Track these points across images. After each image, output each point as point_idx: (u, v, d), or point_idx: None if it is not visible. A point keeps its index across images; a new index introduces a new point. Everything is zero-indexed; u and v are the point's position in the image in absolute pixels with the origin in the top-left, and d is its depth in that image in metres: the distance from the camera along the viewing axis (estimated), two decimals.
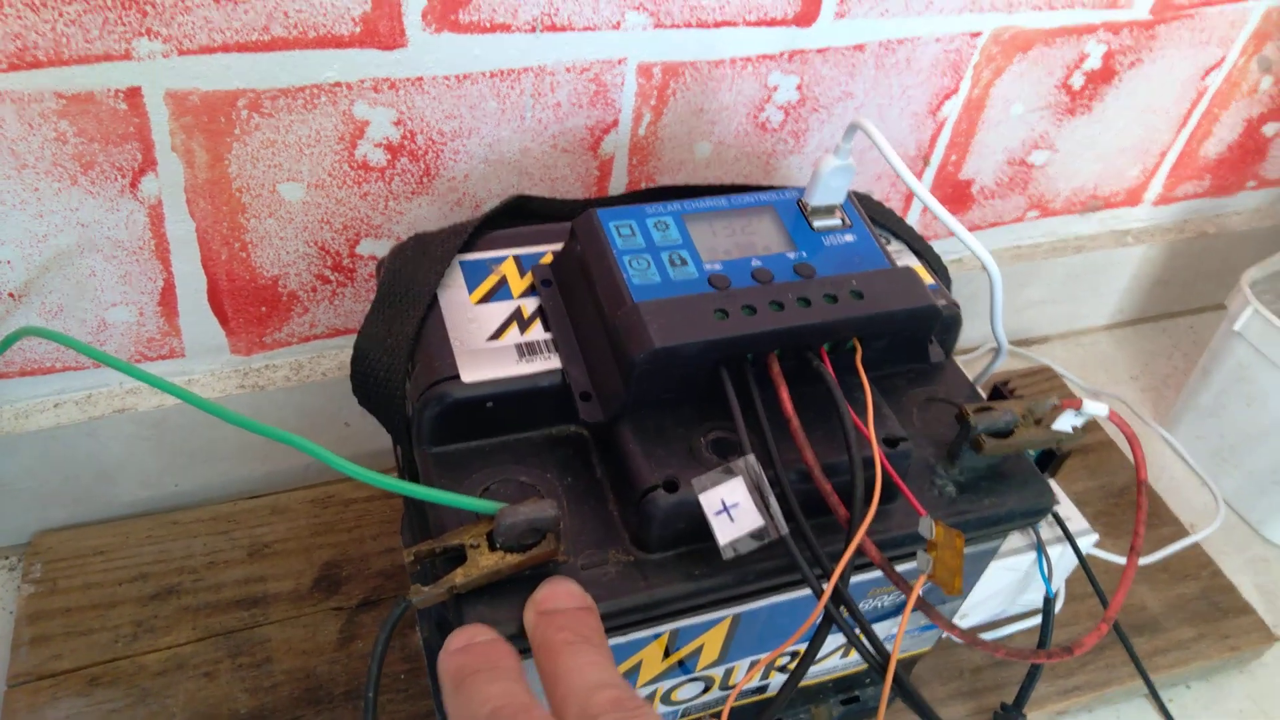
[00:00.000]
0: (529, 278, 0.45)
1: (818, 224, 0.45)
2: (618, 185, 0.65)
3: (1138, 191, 0.87)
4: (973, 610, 0.63)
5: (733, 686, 0.48)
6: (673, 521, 0.38)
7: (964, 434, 0.42)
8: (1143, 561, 0.72)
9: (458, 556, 0.36)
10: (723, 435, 0.40)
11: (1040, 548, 0.58)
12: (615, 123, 0.61)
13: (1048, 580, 0.58)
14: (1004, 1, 0.65)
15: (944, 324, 0.47)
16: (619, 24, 0.56)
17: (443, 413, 0.40)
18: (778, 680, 0.51)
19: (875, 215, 0.52)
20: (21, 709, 0.56)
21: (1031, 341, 0.94)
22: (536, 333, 0.43)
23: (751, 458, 0.37)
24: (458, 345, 0.42)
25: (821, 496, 0.38)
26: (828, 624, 0.38)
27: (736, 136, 0.65)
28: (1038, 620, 0.63)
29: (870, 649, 0.39)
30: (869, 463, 0.39)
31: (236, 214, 0.56)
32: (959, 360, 0.51)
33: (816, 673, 0.52)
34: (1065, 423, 0.42)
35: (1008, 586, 0.61)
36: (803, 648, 0.39)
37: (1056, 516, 0.58)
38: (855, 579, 0.44)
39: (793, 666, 0.40)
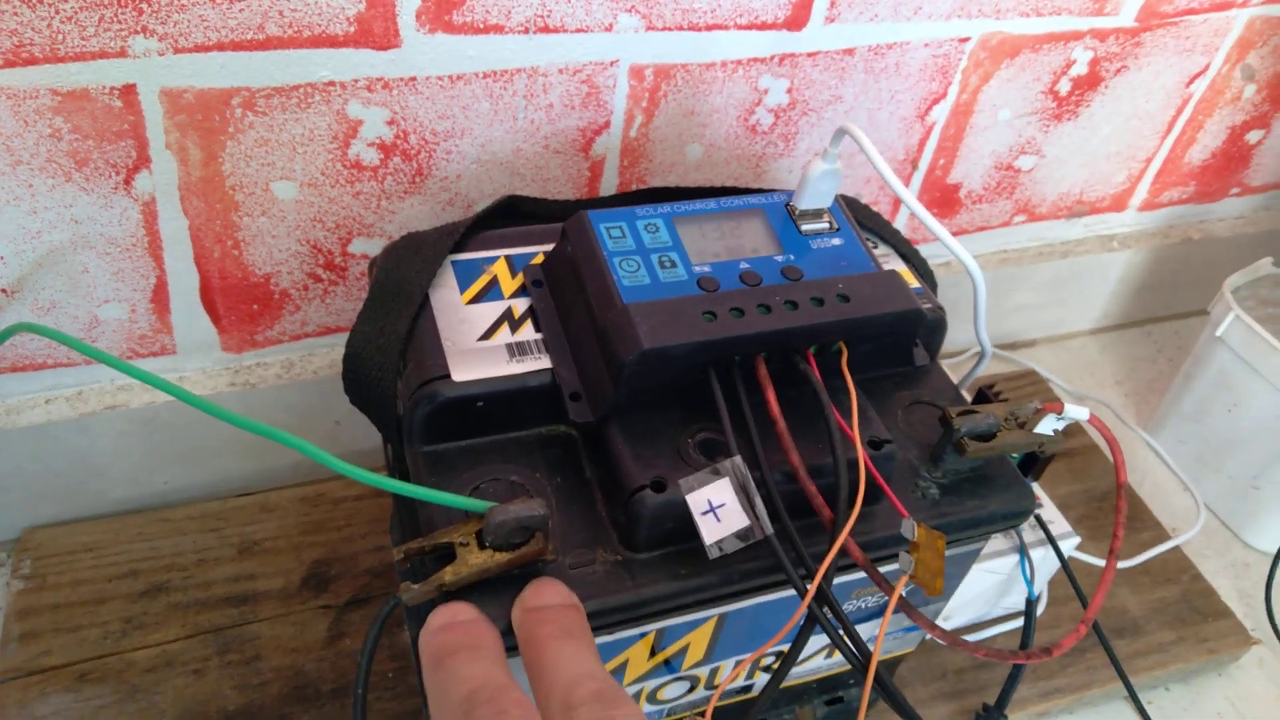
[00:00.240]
0: (520, 278, 0.46)
1: (805, 227, 0.45)
2: (609, 187, 0.65)
3: (1123, 197, 0.87)
4: (956, 612, 0.64)
5: (718, 686, 0.49)
6: (660, 521, 0.38)
7: (947, 437, 0.43)
8: (1123, 565, 0.73)
9: (447, 555, 0.36)
10: (710, 436, 0.40)
11: (1023, 550, 0.59)
12: (607, 124, 0.62)
13: (1030, 582, 0.59)
14: (992, 7, 0.66)
15: (929, 327, 0.48)
16: (611, 26, 0.57)
17: (434, 412, 0.40)
18: (763, 680, 0.51)
19: (863, 219, 0.52)
20: (10, 704, 0.56)
21: (1018, 345, 0.94)
22: (527, 333, 0.43)
23: (738, 459, 0.38)
24: (449, 345, 0.42)
25: (806, 497, 0.39)
26: (811, 624, 0.39)
27: (727, 139, 0.66)
28: (1021, 622, 0.64)
29: (852, 649, 0.39)
30: (853, 464, 0.39)
31: (229, 212, 0.57)
32: (945, 364, 0.51)
33: (800, 673, 0.52)
34: (1047, 426, 0.43)
35: (991, 589, 0.62)
36: (787, 647, 0.40)
37: (1039, 519, 0.59)
38: (839, 580, 0.44)
39: (776, 666, 0.40)
